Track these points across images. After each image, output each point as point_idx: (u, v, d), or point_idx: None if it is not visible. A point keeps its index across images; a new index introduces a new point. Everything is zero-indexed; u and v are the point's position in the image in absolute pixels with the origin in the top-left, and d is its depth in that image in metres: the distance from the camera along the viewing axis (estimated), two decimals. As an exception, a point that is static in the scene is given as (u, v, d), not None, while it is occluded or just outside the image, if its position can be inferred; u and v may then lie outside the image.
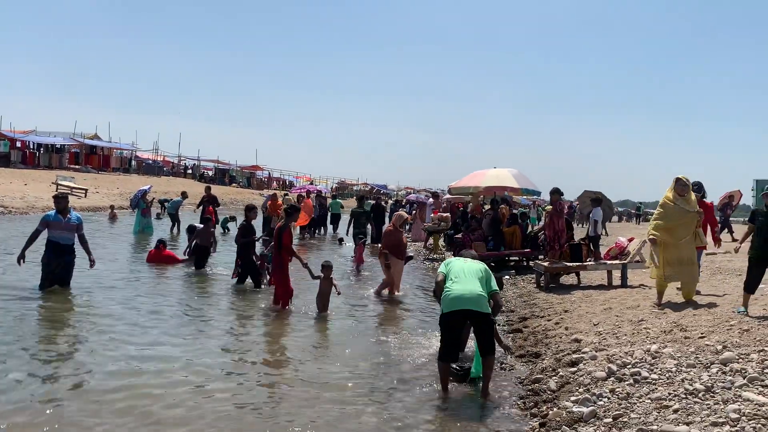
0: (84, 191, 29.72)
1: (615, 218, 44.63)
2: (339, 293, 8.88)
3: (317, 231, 22.36)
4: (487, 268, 5.96)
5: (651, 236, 7.97)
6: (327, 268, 8.84)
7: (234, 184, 54.24)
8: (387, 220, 28.63)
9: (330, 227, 23.21)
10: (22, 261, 8.78)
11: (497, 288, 5.84)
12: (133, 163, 49.67)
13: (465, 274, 5.66)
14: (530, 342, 7.22)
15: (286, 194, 22.99)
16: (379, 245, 11.40)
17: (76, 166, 41.93)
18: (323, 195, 25.87)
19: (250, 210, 10.68)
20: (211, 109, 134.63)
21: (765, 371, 4.56)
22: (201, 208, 19.59)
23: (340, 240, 19.55)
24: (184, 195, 21.63)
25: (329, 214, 23.48)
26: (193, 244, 12.25)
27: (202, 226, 13.32)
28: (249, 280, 10.36)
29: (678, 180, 7.94)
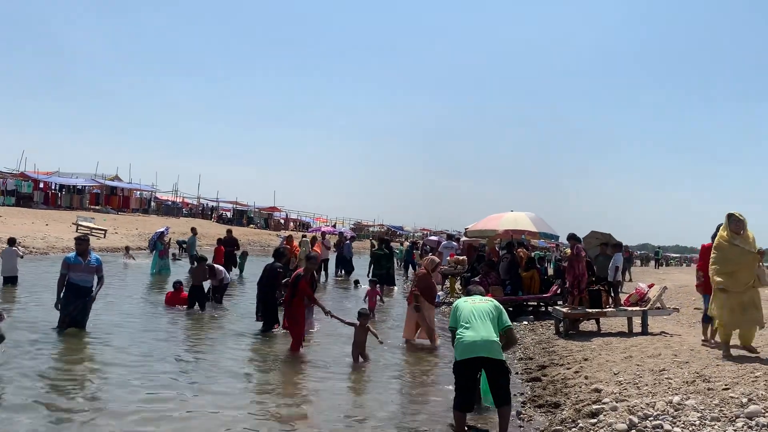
0: (103, 232, 30.10)
1: (637, 262, 44.21)
2: (381, 342, 8.78)
3: (338, 272, 22.45)
4: (498, 304, 5.90)
5: (719, 285, 7.29)
6: (364, 316, 8.63)
7: (252, 225, 54.64)
8: (396, 262, 28.88)
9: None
10: (59, 307, 8.99)
11: (510, 323, 5.78)
12: (153, 204, 50.35)
13: (475, 318, 5.58)
14: (549, 391, 7.08)
15: (304, 236, 23.06)
16: (411, 287, 11.20)
17: (97, 207, 42.62)
18: (345, 236, 25.86)
19: (278, 254, 10.91)
20: (230, 150, 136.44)
21: (793, 426, 4.42)
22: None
23: (356, 282, 19.50)
24: (193, 231, 21.91)
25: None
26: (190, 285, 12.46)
27: (219, 267, 13.41)
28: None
29: (731, 216, 7.37)
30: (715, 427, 4.68)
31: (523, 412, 6.40)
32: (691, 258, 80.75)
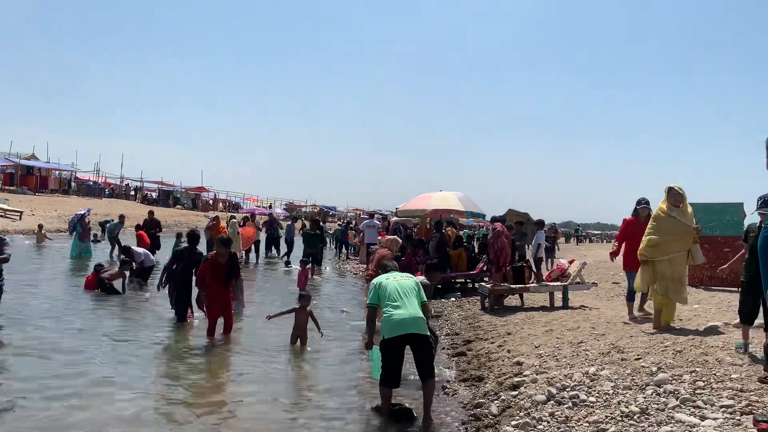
0: (19, 213, 28.56)
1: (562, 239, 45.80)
2: (322, 334, 8.38)
3: (268, 252, 22.14)
4: (417, 280, 6.02)
5: (641, 256, 7.47)
6: (305, 298, 8.41)
7: (178, 206, 53.12)
8: (330, 242, 28.80)
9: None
10: None
11: (425, 299, 5.88)
12: (73, 184, 48.12)
13: (401, 295, 5.62)
14: (474, 365, 7.24)
15: (232, 217, 22.55)
16: (367, 268, 11.01)
17: (12, 188, 40.34)
18: (275, 218, 25.46)
19: (191, 237, 10.01)
20: (155, 129, 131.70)
21: (696, 392, 4.68)
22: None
23: (287, 263, 19.34)
24: (121, 218, 21.01)
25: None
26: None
27: (138, 249, 13.04)
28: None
29: (671, 189, 7.40)
30: (627, 395, 4.90)
31: (448, 386, 6.52)
32: (611, 234, 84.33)
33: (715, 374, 5.04)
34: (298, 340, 8.22)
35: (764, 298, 5.05)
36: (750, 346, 5.71)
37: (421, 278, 7.11)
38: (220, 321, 8.54)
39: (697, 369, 5.22)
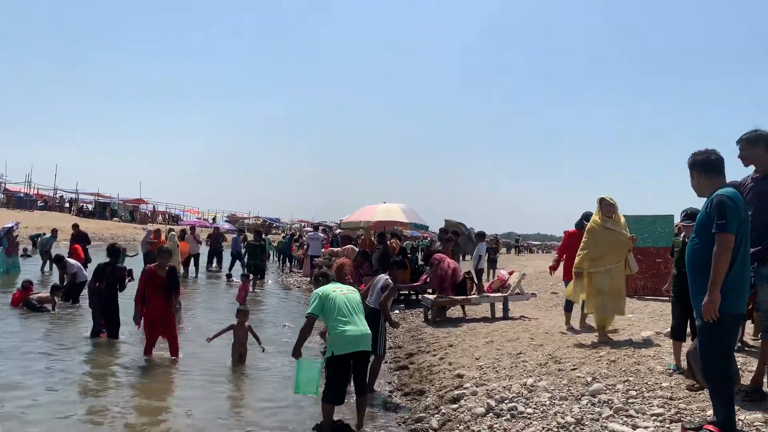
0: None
1: (503, 249, 46.67)
2: (263, 350, 8.16)
3: (209, 266, 21.72)
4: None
5: (575, 269, 7.50)
6: (243, 312, 8.21)
7: (115, 219, 51.45)
8: (273, 254, 28.42)
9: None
10: None
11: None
12: (2, 196, 45.98)
13: (350, 311, 5.55)
14: (415, 379, 7.24)
15: (171, 229, 21.95)
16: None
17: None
18: (221, 232, 25.03)
19: (112, 252, 9.53)
20: (90, 139, 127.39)
21: (629, 401, 4.80)
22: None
23: (228, 276, 19.00)
24: (54, 232, 20.17)
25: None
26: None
27: (72, 261, 12.58)
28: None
29: (602, 200, 7.44)
30: (563, 405, 4.98)
31: (390, 400, 6.50)
32: (551, 245, 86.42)
33: (646, 383, 5.19)
34: (239, 357, 8.03)
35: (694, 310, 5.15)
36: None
37: (384, 277, 7.01)
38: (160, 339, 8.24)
39: (630, 378, 5.36)
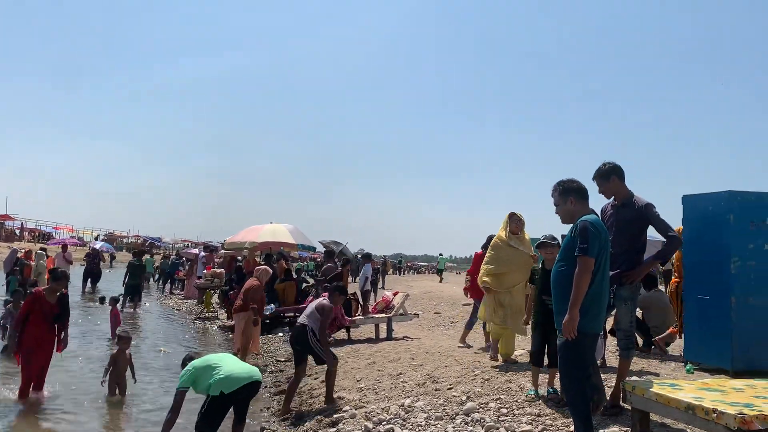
0: None
1: (390, 270, 47.27)
2: (135, 381, 7.48)
3: (84, 287, 20.48)
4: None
5: (483, 284, 7.33)
6: (125, 339, 7.43)
7: (-24, 236, 47.11)
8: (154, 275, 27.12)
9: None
10: None
11: None
12: None
13: (219, 357, 5.49)
14: (295, 403, 7.09)
15: (42, 248, 20.35)
16: (237, 302, 10.09)
17: None
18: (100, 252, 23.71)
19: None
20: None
21: (500, 419, 4.95)
22: None
23: (102, 299, 17.86)
24: None
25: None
26: None
27: None
28: None
29: (512, 215, 7.24)
30: (438, 425, 5.06)
31: (267, 427, 6.32)
32: (434, 266, 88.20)
33: (516, 401, 5.37)
34: (116, 388, 7.35)
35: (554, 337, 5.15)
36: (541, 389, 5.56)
37: (324, 301, 6.89)
38: None
39: (502, 396, 5.53)
